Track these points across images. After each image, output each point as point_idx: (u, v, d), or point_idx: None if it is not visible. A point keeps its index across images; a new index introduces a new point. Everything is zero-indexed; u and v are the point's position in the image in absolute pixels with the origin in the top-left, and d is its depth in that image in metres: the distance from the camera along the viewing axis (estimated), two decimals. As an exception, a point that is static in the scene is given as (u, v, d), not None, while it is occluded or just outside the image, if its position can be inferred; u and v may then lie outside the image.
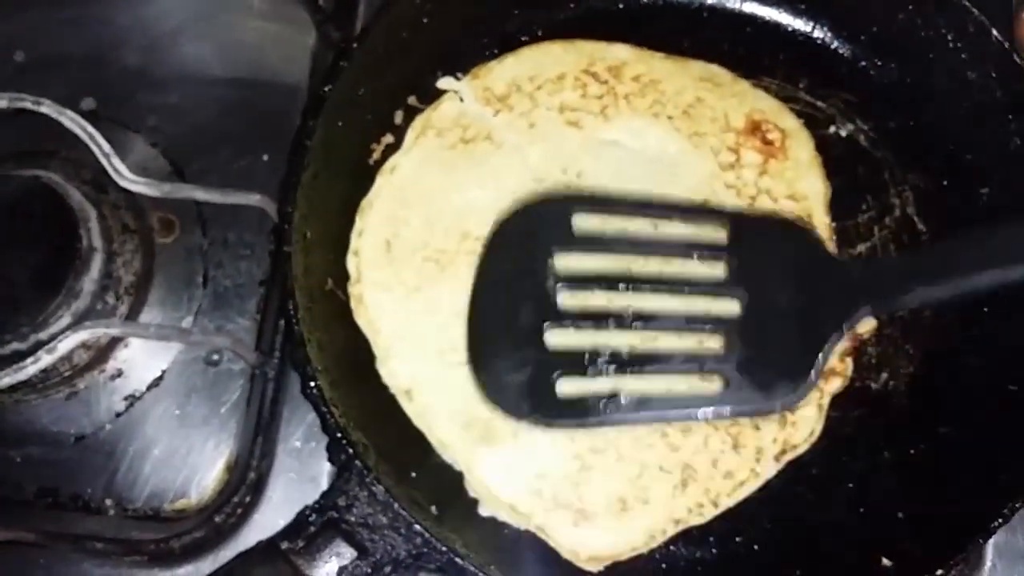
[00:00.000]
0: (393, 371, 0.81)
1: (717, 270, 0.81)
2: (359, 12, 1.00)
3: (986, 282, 0.75)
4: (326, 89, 0.81)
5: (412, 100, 0.89)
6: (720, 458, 0.80)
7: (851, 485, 0.83)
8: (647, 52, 0.90)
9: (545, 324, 0.78)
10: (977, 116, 0.86)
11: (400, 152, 0.87)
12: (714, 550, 0.81)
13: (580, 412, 0.77)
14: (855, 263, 0.83)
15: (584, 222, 0.81)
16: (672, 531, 0.79)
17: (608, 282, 0.79)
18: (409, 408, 0.80)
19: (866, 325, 0.84)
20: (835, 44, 0.93)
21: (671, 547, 0.81)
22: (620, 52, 0.90)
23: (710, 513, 0.80)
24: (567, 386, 0.78)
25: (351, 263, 0.84)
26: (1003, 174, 0.86)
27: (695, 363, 0.78)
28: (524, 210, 0.82)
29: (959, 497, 0.79)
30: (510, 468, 0.79)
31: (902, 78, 0.91)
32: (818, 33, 0.93)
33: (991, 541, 0.85)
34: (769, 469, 0.81)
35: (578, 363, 0.78)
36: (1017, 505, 0.74)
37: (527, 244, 0.80)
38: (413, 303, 0.82)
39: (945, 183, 0.89)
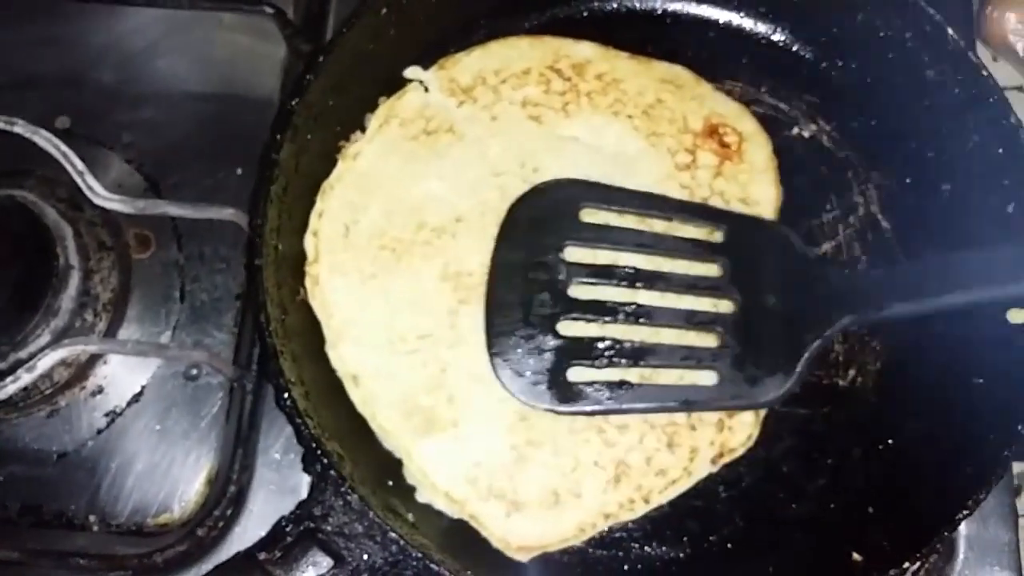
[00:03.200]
0: (342, 356, 0.81)
1: (713, 270, 0.82)
2: (328, 24, 1.00)
3: (955, 302, 0.79)
4: (293, 103, 0.82)
5: (382, 100, 0.88)
6: (654, 456, 0.81)
7: (822, 481, 0.84)
8: (612, 51, 0.91)
9: (558, 314, 0.80)
10: (936, 114, 0.87)
11: (363, 139, 0.87)
12: (688, 549, 0.82)
13: (589, 399, 0.79)
14: (838, 275, 0.84)
15: (592, 216, 0.83)
16: (602, 525, 0.80)
17: (616, 277, 0.82)
18: (355, 394, 0.81)
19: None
20: (796, 47, 0.94)
21: (646, 547, 0.82)
22: (585, 50, 0.91)
23: (641, 509, 0.81)
24: (578, 374, 0.80)
25: (309, 243, 0.84)
26: (963, 170, 0.87)
27: (693, 357, 0.80)
28: (535, 197, 0.84)
29: (926, 491, 0.81)
30: (448, 457, 0.80)
31: (863, 79, 0.92)
32: (779, 36, 0.94)
33: (963, 533, 0.86)
34: (702, 469, 0.82)
35: (587, 352, 0.80)
36: (981, 497, 0.75)
37: (539, 233, 0.83)
38: (367, 290, 0.82)
39: (908, 180, 0.90)
